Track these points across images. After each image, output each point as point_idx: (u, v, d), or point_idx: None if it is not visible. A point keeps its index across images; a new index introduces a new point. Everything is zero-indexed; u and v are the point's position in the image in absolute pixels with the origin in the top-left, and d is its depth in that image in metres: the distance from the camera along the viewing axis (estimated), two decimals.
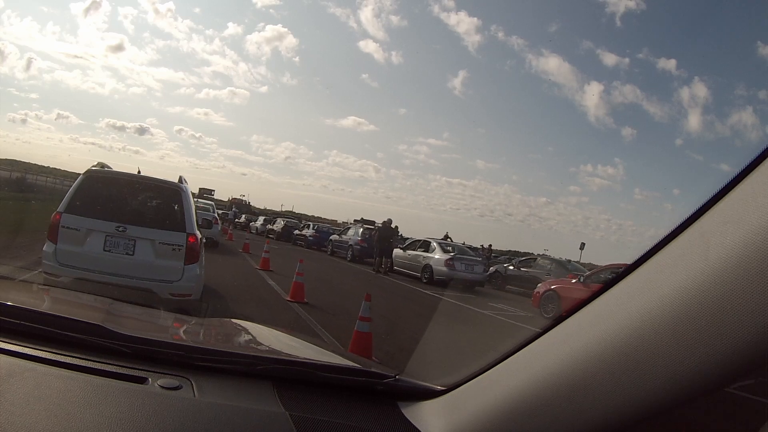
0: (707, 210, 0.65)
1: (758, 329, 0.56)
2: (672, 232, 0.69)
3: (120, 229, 5.16)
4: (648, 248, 0.72)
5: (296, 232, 29.02)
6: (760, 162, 0.61)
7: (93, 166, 5.73)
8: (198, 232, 5.66)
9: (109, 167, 5.99)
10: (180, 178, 6.04)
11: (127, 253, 5.18)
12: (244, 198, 54.87)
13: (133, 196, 5.76)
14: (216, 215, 17.96)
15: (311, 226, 29.37)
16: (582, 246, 21.55)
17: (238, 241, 21.02)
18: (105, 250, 5.14)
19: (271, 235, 29.80)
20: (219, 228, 17.64)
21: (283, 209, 68.45)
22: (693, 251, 0.64)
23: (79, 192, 5.35)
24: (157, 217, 5.63)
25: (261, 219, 37.62)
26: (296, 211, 63.49)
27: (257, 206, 57.02)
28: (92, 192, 5.47)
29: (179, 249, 5.29)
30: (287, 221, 33.19)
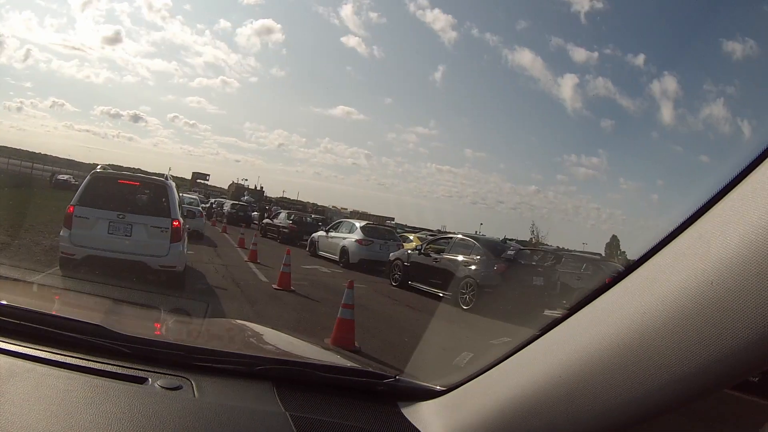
0: (707, 210, 0.65)
1: (758, 329, 0.56)
2: (672, 232, 0.69)
3: (120, 216, 6.71)
4: (648, 248, 0.72)
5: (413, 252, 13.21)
6: (760, 162, 0.61)
7: (99, 168, 7.38)
8: (181, 218, 7.21)
9: (111, 169, 7.71)
10: (166, 175, 7.56)
11: (126, 235, 6.73)
12: (246, 183, 52.43)
13: (130, 191, 7.27)
14: (200, 208, 18.52)
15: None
16: (615, 241, 18.89)
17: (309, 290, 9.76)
18: (109, 233, 6.69)
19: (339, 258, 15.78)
20: (204, 221, 18.01)
21: (284, 195, 66.69)
22: (693, 251, 0.64)
23: (88, 188, 6.93)
24: (149, 207, 7.14)
25: (283, 213, 24.98)
26: (289, 197, 62.10)
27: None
28: (98, 188, 7.02)
29: (166, 231, 6.84)
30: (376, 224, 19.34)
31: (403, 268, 12.08)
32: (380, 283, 12.55)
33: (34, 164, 37.04)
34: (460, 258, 10.79)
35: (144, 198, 7.34)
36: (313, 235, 17.92)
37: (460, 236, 11.77)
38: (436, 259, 11.34)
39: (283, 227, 21.65)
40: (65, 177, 36.38)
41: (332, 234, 16.61)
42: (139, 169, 8.06)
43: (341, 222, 17.63)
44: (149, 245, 6.77)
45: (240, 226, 26.02)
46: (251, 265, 12.04)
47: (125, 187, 7.24)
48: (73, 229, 6.61)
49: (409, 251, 12.64)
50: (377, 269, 14.57)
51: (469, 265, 10.39)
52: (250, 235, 17.92)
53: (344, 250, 15.29)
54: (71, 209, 6.68)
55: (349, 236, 15.55)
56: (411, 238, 19.92)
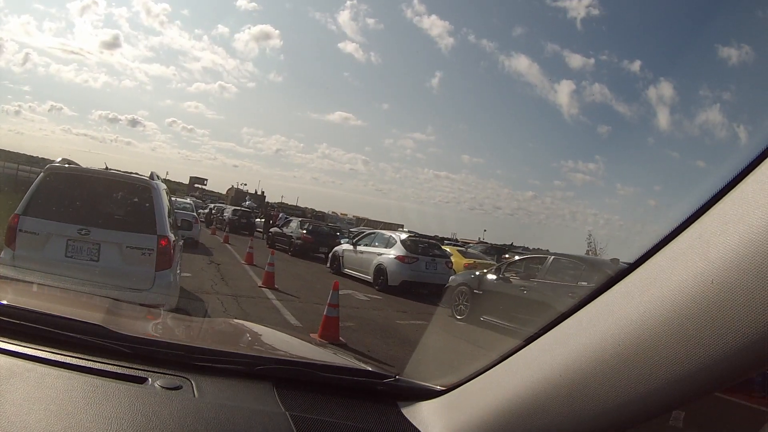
0: (707, 210, 0.64)
1: (758, 329, 0.56)
2: (672, 231, 0.68)
3: (83, 232, 4.67)
4: (648, 248, 0.71)
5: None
6: (760, 162, 0.60)
7: (56, 162, 5.12)
8: (171, 234, 5.07)
9: (76, 163, 5.27)
10: (152, 174, 5.43)
11: (91, 259, 4.69)
12: (245, 187, 50.03)
13: (99, 195, 5.14)
14: (195, 215, 16.96)
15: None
16: None
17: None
18: (67, 256, 4.65)
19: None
20: (199, 228, 16.39)
21: (282, 200, 63.91)
22: (693, 251, 0.63)
23: (39, 191, 4.84)
24: (125, 218, 5.09)
25: (295, 221, 20.70)
26: (288, 203, 59.36)
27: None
28: (53, 191, 4.94)
29: (149, 253, 4.77)
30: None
31: (473, 296, 9.02)
32: (438, 315, 10.12)
33: (20, 166, 34.17)
34: (563, 286, 7.79)
35: (119, 205, 5.23)
36: (337, 248, 14.93)
37: (556, 256, 8.56)
38: (525, 286, 8.26)
39: (297, 238, 18.50)
40: None
41: (362, 248, 13.50)
42: (136, 173, 5.56)
43: (374, 233, 14.46)
44: (125, 274, 4.66)
45: (243, 235, 23.26)
46: (269, 293, 9.12)
47: (92, 190, 5.06)
48: (17, 250, 4.60)
49: (477, 273, 9.65)
50: (421, 292, 11.85)
51: (578, 296, 7.34)
52: (258, 247, 14.92)
53: (380, 269, 12.27)
54: (15, 220, 4.65)
55: (387, 252, 12.46)
56: (448, 251, 16.50)
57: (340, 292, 6.39)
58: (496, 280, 8.88)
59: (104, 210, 5.09)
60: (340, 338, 6.22)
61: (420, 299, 11.26)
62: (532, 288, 8.14)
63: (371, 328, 7.56)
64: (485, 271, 9.75)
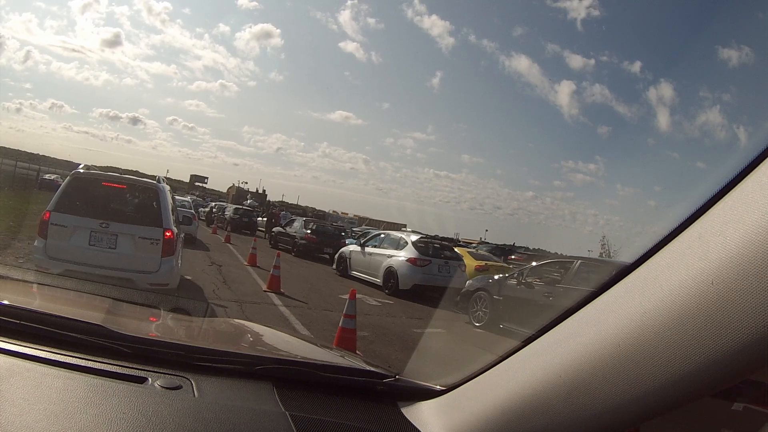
0: (707, 210, 0.64)
1: (758, 330, 0.55)
2: (671, 231, 0.67)
3: (103, 225, 5.63)
4: (648, 248, 0.70)
5: None
6: (760, 162, 0.60)
7: (80, 168, 6.12)
8: (174, 228, 6.01)
9: (96, 169, 6.42)
10: (158, 178, 6.39)
11: (109, 247, 5.64)
12: (246, 186, 50.10)
13: (115, 195, 6.19)
14: (193, 212, 17.59)
15: None
16: None
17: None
18: (90, 245, 5.60)
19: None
20: (197, 225, 17.39)
21: (283, 199, 63.46)
22: (692, 251, 0.63)
23: (67, 192, 5.82)
24: (137, 214, 6.08)
25: (298, 221, 19.99)
26: (288, 202, 58.89)
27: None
28: (78, 191, 5.91)
29: (157, 243, 5.72)
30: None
31: (492, 302, 8.44)
32: (454, 321, 9.34)
33: (18, 163, 33.61)
34: (591, 292, 7.14)
35: (132, 204, 6.31)
36: (343, 249, 14.41)
37: (584, 261, 8.10)
38: (550, 292, 7.69)
39: (301, 238, 18.00)
40: (52, 177, 33.35)
41: (371, 250, 12.97)
42: (137, 171, 5.88)
43: (383, 234, 13.88)
44: (137, 260, 5.70)
45: (245, 234, 22.80)
46: (274, 298, 8.66)
47: (110, 191, 6.15)
48: (48, 240, 5.56)
49: (495, 278, 9.05)
50: (432, 296, 11.14)
51: None
52: (260, 247, 14.49)
53: (391, 272, 11.75)
54: (47, 215, 5.63)
55: (397, 254, 11.92)
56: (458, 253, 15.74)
57: (348, 298, 5.85)
58: (517, 285, 8.31)
59: (120, 207, 6.13)
60: (357, 351, 5.63)
61: (433, 303, 10.65)
62: (558, 294, 7.56)
63: (388, 338, 6.99)
64: (504, 275, 9.22)
